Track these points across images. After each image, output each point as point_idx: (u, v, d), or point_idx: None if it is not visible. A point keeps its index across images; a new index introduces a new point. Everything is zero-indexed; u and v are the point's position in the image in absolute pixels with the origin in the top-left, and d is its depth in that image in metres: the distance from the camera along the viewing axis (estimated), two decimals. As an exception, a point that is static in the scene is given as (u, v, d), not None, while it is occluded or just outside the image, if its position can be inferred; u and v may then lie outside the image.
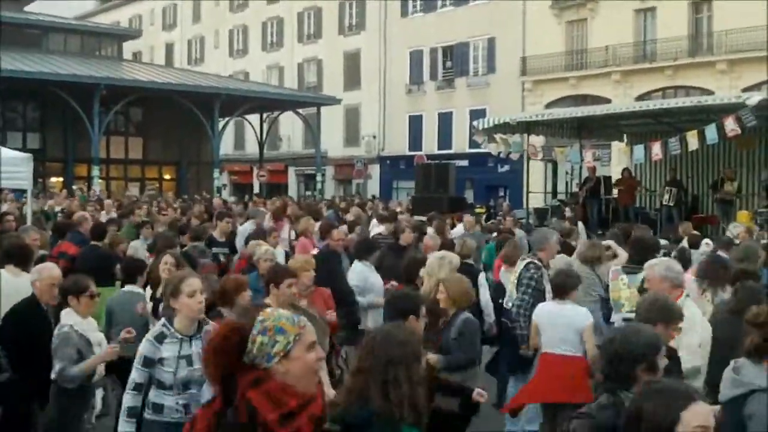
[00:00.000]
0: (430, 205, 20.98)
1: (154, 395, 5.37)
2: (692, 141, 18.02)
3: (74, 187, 36.37)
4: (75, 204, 21.42)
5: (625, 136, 26.29)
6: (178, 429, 5.04)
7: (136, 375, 5.34)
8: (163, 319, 5.55)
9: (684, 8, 35.83)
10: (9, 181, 14.47)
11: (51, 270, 6.74)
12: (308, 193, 48.97)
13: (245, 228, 13.56)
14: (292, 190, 51.65)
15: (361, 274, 9.51)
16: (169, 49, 65.52)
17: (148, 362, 5.32)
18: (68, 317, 6.11)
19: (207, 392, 4.60)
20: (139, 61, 57.45)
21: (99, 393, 5.90)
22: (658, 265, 6.75)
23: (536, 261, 8.82)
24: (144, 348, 5.37)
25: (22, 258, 7.84)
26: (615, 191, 23.43)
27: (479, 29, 43.34)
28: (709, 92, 31.78)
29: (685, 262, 9.46)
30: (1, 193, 22.25)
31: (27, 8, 52.75)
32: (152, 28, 65.15)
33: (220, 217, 13.66)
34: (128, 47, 58.56)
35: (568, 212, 15.13)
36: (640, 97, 35.68)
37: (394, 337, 3.80)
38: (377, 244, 10.82)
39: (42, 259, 8.88)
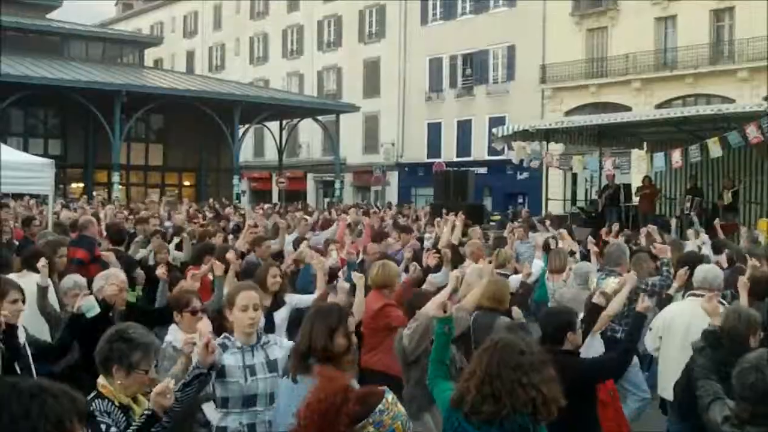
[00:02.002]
0: (448, 213, 20.90)
1: (218, 419, 5.13)
2: (714, 148, 17.94)
3: (94, 193, 36.64)
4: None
5: (645, 144, 26.20)
6: None
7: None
8: (225, 333, 5.34)
9: (705, 16, 35.66)
10: (31, 187, 14.57)
11: (118, 274, 6.78)
12: (327, 199, 49.03)
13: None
14: (311, 197, 51.75)
15: None
16: (190, 56, 65.89)
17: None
18: (171, 333, 6.09)
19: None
20: (160, 68, 57.87)
21: (209, 407, 5.64)
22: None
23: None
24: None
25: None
26: (635, 199, 23.34)
27: (499, 37, 43.32)
28: (730, 100, 31.59)
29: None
30: (23, 198, 22.47)
31: (49, 15, 53.16)
32: (173, 36, 65.55)
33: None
34: (149, 54, 58.98)
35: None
36: (660, 105, 35.51)
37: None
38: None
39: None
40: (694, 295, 7.24)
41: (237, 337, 5.20)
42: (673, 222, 18.51)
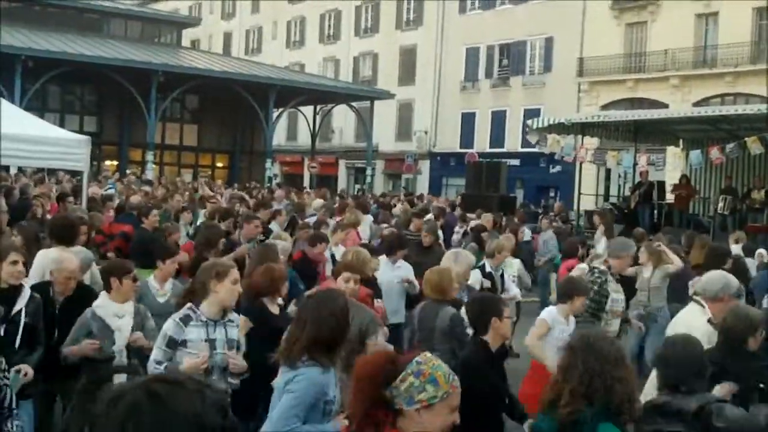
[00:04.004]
0: (480, 203, 20.93)
1: None
2: (754, 146, 17.75)
3: (128, 171, 36.88)
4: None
5: (681, 141, 25.94)
6: None
7: (157, 354, 5.32)
8: (190, 303, 5.46)
9: (748, 14, 35.10)
10: (66, 163, 14.62)
11: (70, 263, 6.60)
12: (357, 186, 49.05)
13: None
14: (342, 183, 51.80)
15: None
16: (227, 38, 66.02)
17: (172, 343, 5.28)
18: (99, 299, 6.16)
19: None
20: (197, 49, 57.99)
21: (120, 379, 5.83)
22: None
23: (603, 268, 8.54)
24: (169, 328, 5.33)
25: (67, 236, 7.93)
26: (671, 197, 23.09)
27: (537, 28, 43.00)
28: (770, 100, 31.17)
29: (742, 271, 9.35)
30: (57, 174, 22.67)
31: (90, -7, 53.49)
32: (211, 17, 65.66)
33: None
34: (187, 35, 59.16)
35: (596, 220, 15.02)
36: (698, 103, 35.08)
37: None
38: (405, 241, 10.82)
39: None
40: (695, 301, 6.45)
41: (210, 308, 5.38)
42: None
